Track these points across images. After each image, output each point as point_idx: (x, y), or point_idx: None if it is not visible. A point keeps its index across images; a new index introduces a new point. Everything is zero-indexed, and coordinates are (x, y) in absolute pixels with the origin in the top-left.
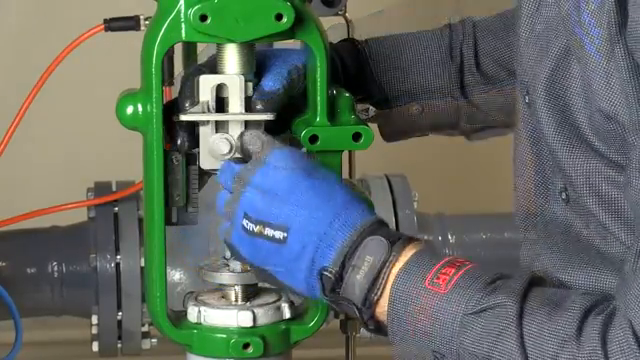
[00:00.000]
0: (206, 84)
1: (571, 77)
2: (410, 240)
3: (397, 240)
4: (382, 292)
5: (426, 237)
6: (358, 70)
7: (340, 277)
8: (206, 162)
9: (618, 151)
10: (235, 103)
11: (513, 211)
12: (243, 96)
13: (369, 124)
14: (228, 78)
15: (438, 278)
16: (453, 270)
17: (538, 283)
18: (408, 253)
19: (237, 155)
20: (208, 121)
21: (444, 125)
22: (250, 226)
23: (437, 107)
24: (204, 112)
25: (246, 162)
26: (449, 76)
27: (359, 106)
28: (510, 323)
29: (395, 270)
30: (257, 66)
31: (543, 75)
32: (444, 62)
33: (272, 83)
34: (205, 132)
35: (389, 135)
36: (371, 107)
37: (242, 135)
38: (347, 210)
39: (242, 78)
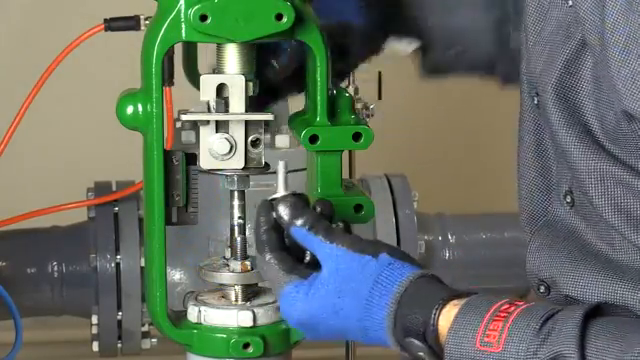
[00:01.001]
0: (207, 84)
1: (582, 79)
2: (444, 305)
3: (428, 325)
4: None
5: (426, 237)
6: (396, 10)
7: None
8: (206, 162)
9: (633, 154)
10: (236, 103)
11: (519, 214)
12: (244, 96)
13: (368, 124)
14: (229, 78)
15: (488, 336)
16: (501, 323)
17: (595, 314)
18: (449, 318)
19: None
20: (209, 121)
21: (481, 68)
22: None
23: (476, 51)
24: (205, 112)
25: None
26: (492, 22)
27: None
28: None
29: (444, 340)
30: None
31: (553, 76)
32: (488, 6)
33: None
34: (205, 132)
35: (428, 72)
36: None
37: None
38: (367, 320)
39: (243, 78)
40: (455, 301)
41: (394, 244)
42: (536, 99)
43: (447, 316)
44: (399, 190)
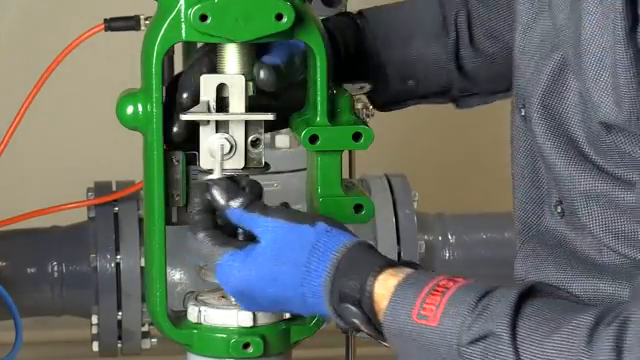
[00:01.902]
0: (207, 83)
1: (568, 90)
2: (380, 271)
3: (363, 292)
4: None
5: (426, 237)
6: (357, 46)
7: (355, 328)
8: (206, 162)
9: (617, 164)
10: (236, 103)
11: (514, 224)
12: (244, 96)
13: (368, 124)
14: (230, 78)
15: (425, 309)
16: (438, 298)
17: (530, 294)
18: (387, 289)
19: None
20: (209, 121)
21: (436, 94)
22: None
23: (432, 80)
24: (205, 112)
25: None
26: (445, 51)
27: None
28: (507, 353)
29: (381, 311)
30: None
31: (539, 88)
32: (440, 36)
33: (271, 58)
34: (205, 132)
35: (382, 106)
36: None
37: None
38: (305, 286)
39: (243, 78)
40: (391, 270)
41: (394, 244)
42: (523, 111)
43: (383, 284)
44: (399, 190)
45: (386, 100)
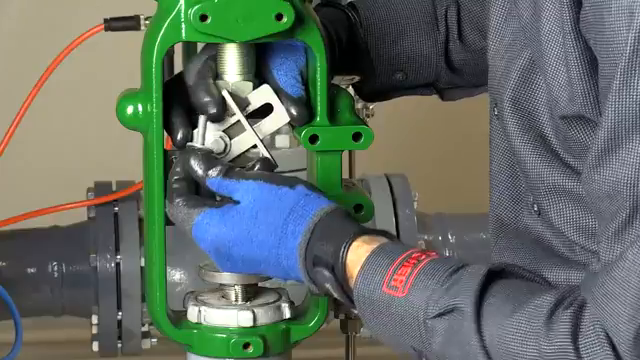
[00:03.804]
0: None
1: (537, 88)
2: (354, 238)
3: (337, 256)
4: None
5: (426, 237)
6: (349, 39)
7: (328, 294)
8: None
9: (584, 161)
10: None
11: (489, 221)
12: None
13: (368, 124)
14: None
15: (395, 280)
16: (409, 269)
17: (499, 275)
18: (359, 256)
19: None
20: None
21: (422, 87)
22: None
23: (421, 73)
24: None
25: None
26: (435, 45)
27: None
28: (468, 329)
29: (353, 278)
30: (265, 58)
31: (509, 87)
32: (431, 31)
33: (296, 91)
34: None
35: (368, 96)
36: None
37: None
38: (281, 248)
39: (251, 85)
40: (366, 237)
41: None
42: (496, 110)
43: (356, 252)
44: (399, 190)
45: (372, 91)
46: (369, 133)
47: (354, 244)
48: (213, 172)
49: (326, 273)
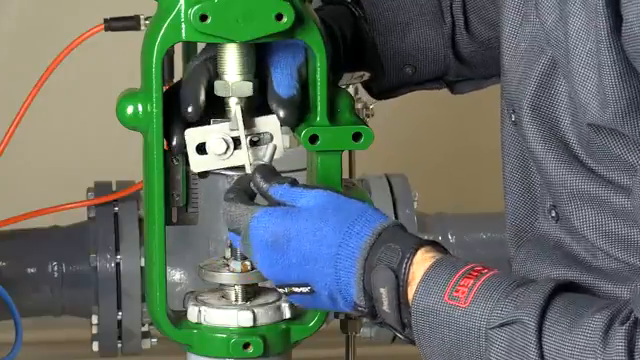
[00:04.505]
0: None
1: (557, 93)
2: (418, 247)
3: (403, 258)
4: (410, 313)
5: (426, 237)
6: (354, 35)
7: (373, 309)
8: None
9: (609, 168)
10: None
11: (506, 230)
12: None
13: (368, 124)
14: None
15: (457, 291)
16: (472, 281)
17: (565, 288)
18: (423, 265)
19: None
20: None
21: (431, 81)
22: (281, 290)
23: (429, 66)
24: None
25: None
26: (442, 36)
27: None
28: (529, 342)
29: (412, 288)
30: (264, 59)
31: (528, 93)
32: (437, 22)
33: (286, 90)
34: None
35: (378, 94)
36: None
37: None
38: (342, 247)
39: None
40: (430, 248)
41: None
42: (513, 116)
43: (421, 260)
44: (399, 190)
45: (383, 88)
46: (369, 133)
47: (419, 252)
48: (280, 180)
49: (389, 273)
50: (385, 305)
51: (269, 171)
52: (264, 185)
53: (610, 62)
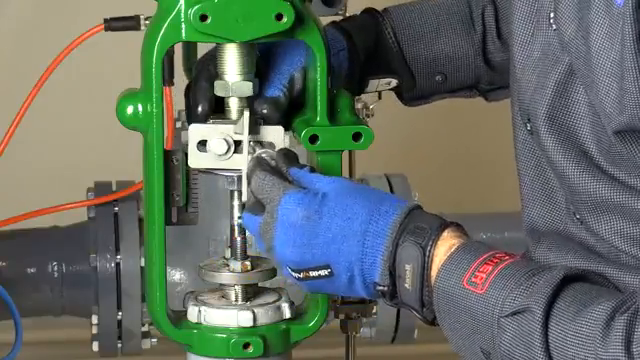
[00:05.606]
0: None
1: (575, 102)
2: (444, 228)
3: (430, 237)
4: (431, 292)
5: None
6: (377, 42)
7: (394, 287)
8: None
9: (631, 174)
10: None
11: (523, 229)
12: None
13: (368, 124)
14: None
15: (475, 277)
16: (490, 268)
17: (577, 279)
18: (447, 246)
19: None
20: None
21: (464, 89)
22: (296, 275)
23: (460, 74)
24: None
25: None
26: (472, 45)
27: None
28: (534, 330)
29: (436, 268)
30: (262, 61)
31: (544, 102)
32: (468, 30)
33: (272, 90)
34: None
35: (409, 100)
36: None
37: (249, 181)
38: (371, 224)
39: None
40: (456, 228)
41: None
42: (529, 125)
43: (445, 240)
44: (399, 190)
45: (413, 95)
46: (369, 133)
47: (444, 232)
48: (301, 165)
49: (416, 250)
50: (408, 282)
51: (292, 155)
52: (285, 165)
53: (636, 68)
